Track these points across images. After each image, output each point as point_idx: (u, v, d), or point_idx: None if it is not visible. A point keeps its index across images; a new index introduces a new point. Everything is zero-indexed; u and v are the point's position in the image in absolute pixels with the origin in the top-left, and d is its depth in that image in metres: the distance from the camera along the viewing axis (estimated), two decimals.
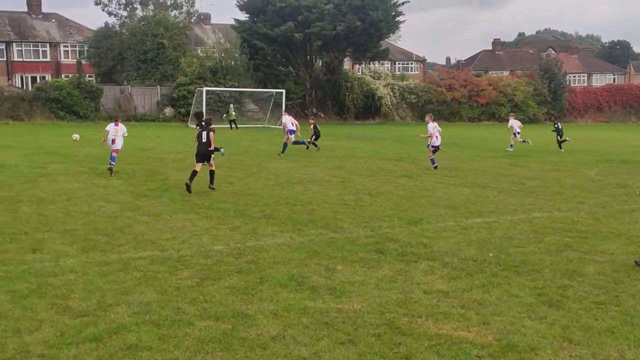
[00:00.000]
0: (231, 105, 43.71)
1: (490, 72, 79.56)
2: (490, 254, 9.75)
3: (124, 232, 10.92)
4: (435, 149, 22.15)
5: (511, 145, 29.91)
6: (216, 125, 40.77)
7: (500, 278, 8.50)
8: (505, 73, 78.12)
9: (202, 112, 19.91)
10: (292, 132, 26.27)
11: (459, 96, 61.15)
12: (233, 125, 41.55)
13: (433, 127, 21.98)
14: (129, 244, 10.10)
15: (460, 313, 7.14)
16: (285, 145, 25.71)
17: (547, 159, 25.68)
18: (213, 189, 15.75)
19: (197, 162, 15.66)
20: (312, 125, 28.28)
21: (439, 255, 9.69)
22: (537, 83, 64.58)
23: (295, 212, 13.04)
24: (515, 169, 22.20)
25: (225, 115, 42.86)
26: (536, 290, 8.00)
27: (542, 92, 64.51)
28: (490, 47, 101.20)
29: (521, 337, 6.49)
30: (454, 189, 16.93)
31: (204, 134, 15.77)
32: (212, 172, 15.91)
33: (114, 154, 18.60)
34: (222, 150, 18.44)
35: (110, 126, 19.18)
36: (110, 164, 18.29)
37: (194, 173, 15.51)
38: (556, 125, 31.33)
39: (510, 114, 35.21)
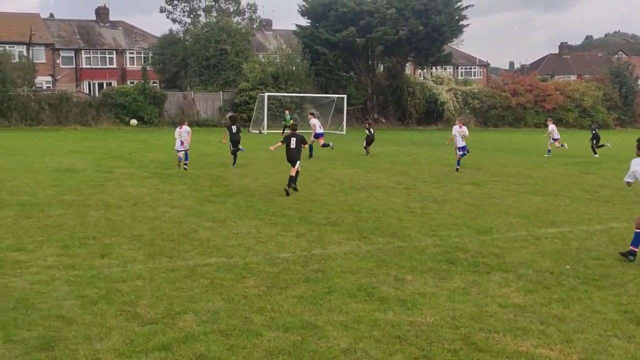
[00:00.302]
0: (287, 111, 43.93)
1: (556, 77, 77.78)
2: (567, 266, 9.31)
3: (190, 238, 10.88)
4: (462, 151, 22.98)
5: (549, 151, 29.09)
6: (273, 131, 41.14)
7: (580, 292, 8.08)
8: (573, 77, 76.23)
9: (235, 115, 23.15)
10: (321, 134, 27.08)
11: (524, 101, 59.92)
12: (287, 130, 41.74)
13: (456, 129, 23.57)
14: (195, 250, 10.05)
15: (540, 329, 6.78)
16: (311, 148, 26.14)
17: (619, 167, 24.69)
18: (296, 189, 16.42)
19: (292, 166, 16.50)
20: (367, 129, 28.54)
21: (513, 266, 9.31)
22: (607, 88, 62.75)
23: (360, 220, 12.81)
24: (587, 176, 21.44)
25: (283, 121, 43.23)
26: (621, 306, 7.55)
27: (613, 97, 62.66)
28: (556, 51, 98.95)
29: (609, 357, 6.09)
30: (524, 197, 16.41)
31: (293, 140, 16.42)
32: (294, 176, 16.45)
33: (181, 155, 21.25)
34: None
35: (177, 130, 21.83)
36: (180, 161, 21.17)
37: (290, 177, 16.37)
38: (594, 131, 30.67)
39: (549, 118, 34.82)
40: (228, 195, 15.77)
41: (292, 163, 16.40)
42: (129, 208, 13.64)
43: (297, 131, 16.86)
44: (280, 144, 16.58)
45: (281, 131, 42.40)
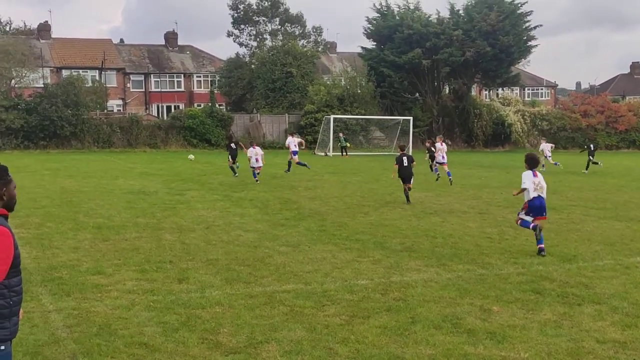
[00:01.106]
0: (341, 134, 44.44)
1: (628, 97, 75.52)
2: None
3: (265, 262, 10.76)
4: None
5: (542, 165, 29.66)
6: (339, 153, 41.16)
7: None
8: None
9: (232, 134, 24.41)
10: (295, 152, 28.92)
11: (595, 122, 58.28)
12: (344, 152, 44.02)
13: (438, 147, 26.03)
14: (272, 275, 9.90)
15: None
16: (289, 164, 28.62)
17: None
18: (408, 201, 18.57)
19: (403, 183, 19.04)
20: (428, 146, 29.08)
21: (605, 298, 8.82)
22: None
23: (437, 245, 12.47)
24: None
25: (339, 142, 43.97)
26: None
27: None
28: (626, 71, 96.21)
29: None
30: (605, 222, 15.75)
31: (405, 159, 18.95)
32: (407, 190, 18.88)
33: (257, 171, 24.12)
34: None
35: (250, 150, 24.43)
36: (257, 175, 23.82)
37: (406, 192, 18.87)
38: (590, 148, 33.42)
39: (542, 138, 39.41)
40: (299, 218, 15.65)
41: (407, 180, 18.87)
42: (202, 231, 13.65)
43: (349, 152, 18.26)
44: (396, 166, 19.03)
45: (340, 153, 43.07)
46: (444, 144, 26.39)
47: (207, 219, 15.32)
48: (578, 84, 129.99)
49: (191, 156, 27.81)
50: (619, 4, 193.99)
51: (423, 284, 9.49)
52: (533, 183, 12.29)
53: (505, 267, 10.73)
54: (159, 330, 7.27)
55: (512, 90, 69.04)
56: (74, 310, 7.95)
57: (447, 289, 9.22)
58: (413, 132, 47.84)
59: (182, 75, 69.60)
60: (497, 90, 65.39)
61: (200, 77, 70.44)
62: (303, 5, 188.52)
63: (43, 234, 12.98)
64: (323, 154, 45.09)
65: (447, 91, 58.45)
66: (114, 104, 62.48)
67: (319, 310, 8.14)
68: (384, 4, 56.23)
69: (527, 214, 12.19)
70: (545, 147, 34.36)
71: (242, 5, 62.69)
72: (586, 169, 31.83)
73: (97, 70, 62.68)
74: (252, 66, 59.40)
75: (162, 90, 67.51)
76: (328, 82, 55.08)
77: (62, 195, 19.49)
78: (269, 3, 62.78)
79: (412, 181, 18.98)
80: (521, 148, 56.14)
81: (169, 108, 65.56)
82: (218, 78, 64.86)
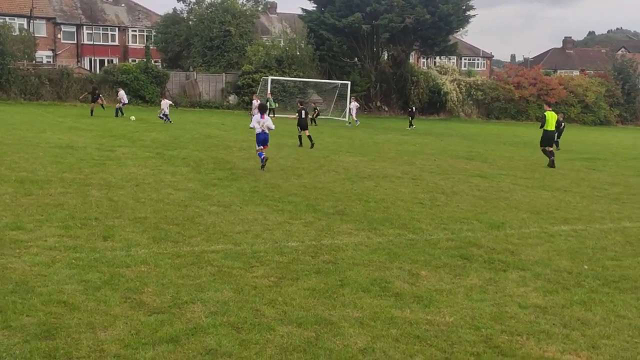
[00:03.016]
0: (269, 95, 43.50)
1: (559, 71, 77.40)
2: (585, 266, 9.01)
3: (195, 222, 10.55)
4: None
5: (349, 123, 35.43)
6: (278, 115, 40.90)
7: (602, 294, 7.77)
8: (576, 72, 75.81)
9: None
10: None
11: (528, 95, 59.57)
12: (272, 114, 42.32)
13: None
14: (201, 235, 9.71)
15: (564, 333, 6.48)
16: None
17: (626, 164, 24.49)
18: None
19: (302, 130, 24.32)
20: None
21: (529, 264, 9.00)
22: (610, 84, 62.45)
23: (369, 210, 12.49)
24: (594, 173, 21.16)
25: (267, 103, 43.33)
26: None
27: (615, 93, 62.40)
28: (558, 46, 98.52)
29: None
30: (533, 191, 16.11)
31: (303, 112, 23.93)
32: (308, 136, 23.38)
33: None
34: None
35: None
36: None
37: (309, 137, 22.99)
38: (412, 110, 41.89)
39: (352, 98, 44.03)
40: (232, 179, 15.42)
41: (304, 128, 24.14)
42: (132, 189, 13.29)
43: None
44: (296, 116, 24.26)
45: (272, 115, 42.45)
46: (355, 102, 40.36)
47: (137, 177, 14.93)
48: (513, 57, 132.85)
49: (132, 117, 28.84)
50: None
51: (354, 248, 9.48)
52: (258, 123, 17.45)
53: (435, 232, 10.83)
54: (79, 288, 7.01)
55: (450, 59, 69.81)
56: None
57: (377, 253, 9.23)
58: (351, 97, 47.82)
59: (117, 28, 67.51)
60: (435, 58, 65.95)
61: (135, 31, 68.52)
62: None
63: None
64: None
65: (385, 57, 58.60)
66: (43, 54, 60.14)
67: (247, 271, 8.02)
68: None
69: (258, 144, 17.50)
70: (353, 106, 41.19)
71: None
72: (409, 127, 39.51)
73: (25, 19, 60.11)
74: (190, 23, 58.07)
75: (95, 43, 65.40)
76: (267, 43, 54.40)
77: None
78: None
79: (308, 129, 24.57)
80: (456, 117, 57.05)
81: (102, 62, 63.62)
82: (154, 33, 63.25)
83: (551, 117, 22.72)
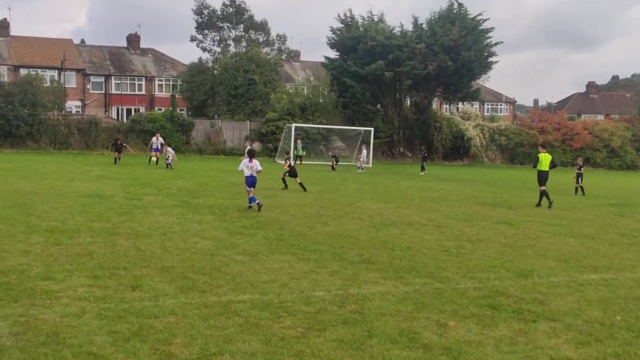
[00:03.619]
0: (298, 141, 44.05)
1: (583, 116, 77.18)
2: (618, 317, 8.87)
3: (222, 271, 10.60)
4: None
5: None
6: (308, 162, 41.12)
7: (636, 347, 7.63)
8: (600, 117, 75.54)
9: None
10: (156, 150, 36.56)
11: (552, 140, 59.29)
12: (298, 161, 42.74)
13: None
14: (228, 285, 9.75)
15: None
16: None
17: None
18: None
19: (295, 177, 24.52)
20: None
21: (559, 315, 8.89)
22: (636, 128, 62.03)
23: (395, 258, 12.46)
24: (623, 219, 20.90)
25: (295, 150, 43.52)
26: None
27: None
28: (582, 90, 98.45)
29: None
30: (560, 239, 15.96)
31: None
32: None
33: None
34: None
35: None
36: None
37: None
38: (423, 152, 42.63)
39: (364, 145, 44.61)
40: (258, 227, 15.50)
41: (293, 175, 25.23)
42: (159, 238, 13.42)
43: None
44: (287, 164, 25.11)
45: (299, 162, 42.75)
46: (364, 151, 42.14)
47: (164, 225, 15.07)
48: (536, 101, 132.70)
49: (154, 159, 32.24)
50: (579, 25, 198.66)
51: (380, 297, 9.44)
52: (247, 167, 18.51)
53: (462, 281, 10.76)
54: (109, 339, 7.06)
55: (472, 104, 69.99)
56: (21, 317, 7.69)
57: (404, 303, 9.18)
58: (374, 143, 48.04)
59: (144, 78, 68.89)
60: (458, 104, 66.27)
61: (162, 80, 69.84)
62: (268, 12, 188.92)
63: None
64: (283, 161, 44.91)
65: (408, 103, 58.96)
66: (72, 105, 61.49)
67: (274, 321, 8.02)
68: (348, 15, 56.65)
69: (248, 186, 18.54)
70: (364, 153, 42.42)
71: (207, 11, 62.47)
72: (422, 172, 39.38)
73: (56, 70, 61.66)
74: (215, 72, 59.08)
75: (123, 92, 66.72)
76: (290, 91, 55.09)
77: (15, 197, 19.01)
78: (234, 9, 62.66)
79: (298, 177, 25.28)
80: (479, 162, 56.92)
81: (129, 111, 64.79)
82: (180, 83, 64.39)
83: (544, 158, 23.85)
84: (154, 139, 37.91)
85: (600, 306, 9.45)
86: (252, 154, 19.22)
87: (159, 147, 37.30)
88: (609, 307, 9.43)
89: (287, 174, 25.68)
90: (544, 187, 23.51)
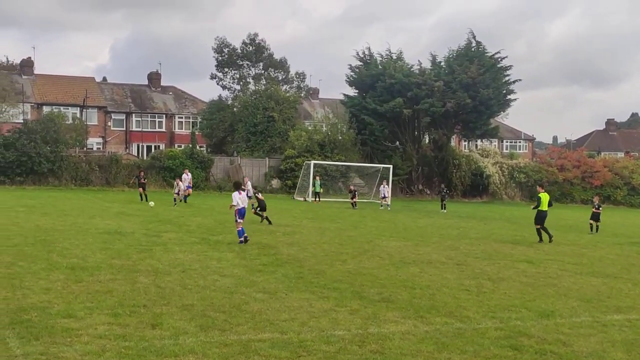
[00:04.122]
0: (318, 178, 44.12)
1: (603, 153, 76.73)
2: None
3: (241, 310, 10.59)
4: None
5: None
6: (327, 199, 41.09)
7: None
8: (620, 154, 75.04)
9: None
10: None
11: (572, 177, 58.94)
12: (316, 198, 43.41)
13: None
14: (247, 323, 9.74)
15: None
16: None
17: None
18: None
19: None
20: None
21: (582, 356, 8.78)
22: None
23: (415, 297, 12.38)
24: None
25: (312, 187, 43.61)
26: None
27: None
28: (601, 127, 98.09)
29: None
30: (582, 278, 15.79)
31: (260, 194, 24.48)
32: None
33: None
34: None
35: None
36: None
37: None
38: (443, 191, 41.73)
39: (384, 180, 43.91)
40: (277, 264, 15.51)
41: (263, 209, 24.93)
42: (179, 275, 13.46)
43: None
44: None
45: (314, 198, 42.92)
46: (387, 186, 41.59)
47: (184, 262, 15.13)
48: (555, 138, 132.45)
49: (151, 203, 30.26)
50: (597, 62, 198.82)
51: (401, 337, 9.38)
52: (240, 200, 19.26)
53: (483, 321, 10.66)
54: None
55: (491, 142, 69.85)
56: (42, 355, 7.73)
57: (424, 343, 9.11)
58: (393, 180, 48.00)
59: (164, 115, 69.70)
60: (476, 141, 66.16)
61: (182, 118, 70.59)
62: (287, 51, 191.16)
63: (14, 274, 12.71)
64: (302, 199, 45.03)
65: (427, 141, 58.96)
66: (94, 141, 62.24)
67: None
68: (367, 53, 57.02)
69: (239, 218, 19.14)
70: (383, 189, 41.18)
71: (227, 49, 63.29)
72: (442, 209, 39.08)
73: (78, 108, 62.57)
74: (234, 109, 59.64)
75: (143, 129, 67.48)
76: (309, 128, 55.35)
77: (36, 234, 19.19)
78: (254, 48, 63.46)
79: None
80: (498, 200, 56.60)
81: (149, 148, 65.42)
82: (200, 120, 65.00)
83: (545, 198, 24.48)
84: (184, 175, 37.31)
85: (624, 348, 9.32)
86: (238, 186, 20.38)
87: (191, 184, 37.15)
88: (633, 348, 9.30)
89: (258, 208, 26.05)
90: (540, 226, 23.94)
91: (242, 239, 19.02)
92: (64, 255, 15.42)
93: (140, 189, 36.60)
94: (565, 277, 15.76)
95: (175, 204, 33.50)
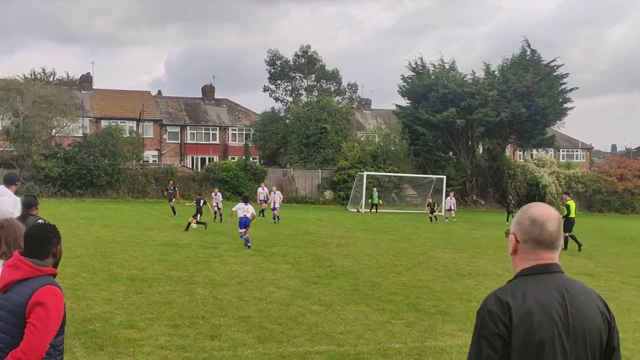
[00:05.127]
0: (375, 189, 44.01)
1: None
2: None
3: (298, 321, 10.67)
4: None
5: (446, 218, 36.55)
6: (381, 210, 40.86)
7: None
8: None
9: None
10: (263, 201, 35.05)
11: (632, 187, 57.47)
12: (373, 210, 42.84)
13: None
14: (304, 335, 9.81)
15: None
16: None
17: None
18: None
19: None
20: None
21: None
22: None
23: (471, 310, 12.23)
24: None
25: (370, 199, 43.48)
26: None
27: None
28: None
29: None
30: None
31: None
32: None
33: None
34: None
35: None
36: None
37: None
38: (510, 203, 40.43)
39: (451, 191, 43.76)
40: (332, 276, 15.55)
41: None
42: (235, 287, 13.63)
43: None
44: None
45: (369, 209, 42.86)
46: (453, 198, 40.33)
47: (240, 274, 15.31)
48: (614, 147, 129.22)
49: (194, 225, 27.19)
50: None
51: (458, 350, 9.31)
52: (241, 209, 21.07)
53: None
54: None
55: (547, 151, 68.65)
56: None
57: None
58: (446, 191, 47.61)
59: (218, 128, 70.62)
60: (532, 151, 65.09)
61: (235, 130, 71.41)
62: (339, 62, 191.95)
63: (77, 285, 13.07)
64: (355, 210, 45.04)
65: (481, 151, 58.31)
66: (149, 154, 63.52)
67: None
68: (419, 63, 56.88)
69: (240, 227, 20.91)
70: (450, 201, 39.88)
71: (279, 62, 63.87)
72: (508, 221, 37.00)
73: (135, 121, 63.97)
74: (287, 121, 60.11)
75: (198, 142, 68.53)
76: (362, 139, 55.41)
77: (97, 245, 19.69)
78: (306, 60, 63.89)
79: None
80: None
81: (203, 160, 66.39)
82: (253, 132, 65.68)
83: (573, 206, 25.26)
84: (259, 189, 36.41)
85: None
86: (246, 200, 21.98)
87: (266, 198, 35.41)
88: None
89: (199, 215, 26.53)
90: (570, 234, 24.01)
91: (249, 244, 20.45)
92: (123, 266, 15.78)
93: (171, 203, 34.54)
94: (627, 291, 15.38)
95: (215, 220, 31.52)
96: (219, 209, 32.72)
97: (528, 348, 2.83)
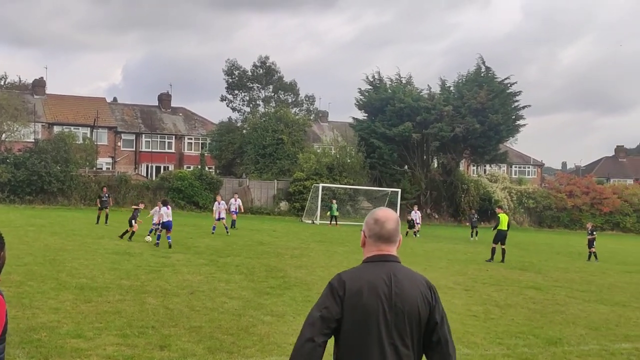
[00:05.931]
0: (333, 201, 44.30)
1: (612, 180, 76.57)
2: None
3: (249, 332, 10.63)
4: None
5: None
6: (325, 221, 41.04)
7: None
8: (629, 181, 74.86)
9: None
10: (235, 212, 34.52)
11: (580, 203, 58.82)
12: (333, 222, 43.20)
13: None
14: (255, 346, 9.77)
15: None
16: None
17: None
18: None
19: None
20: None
21: None
22: None
23: None
24: None
25: (329, 211, 43.73)
26: None
27: None
28: (610, 154, 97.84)
29: None
30: (590, 305, 15.75)
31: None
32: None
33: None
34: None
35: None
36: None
37: None
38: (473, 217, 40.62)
39: (415, 205, 43.47)
40: (285, 287, 15.54)
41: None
42: (187, 297, 13.51)
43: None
44: None
45: (328, 222, 43.07)
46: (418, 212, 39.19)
47: (192, 284, 15.18)
48: (564, 164, 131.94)
49: (148, 238, 25.59)
50: (609, 89, 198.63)
51: None
52: (165, 214, 23.40)
53: (490, 347, 10.65)
54: None
55: (500, 167, 69.88)
56: None
57: None
58: (401, 204, 48.03)
59: (174, 136, 70.00)
60: (485, 166, 66.17)
61: (191, 139, 70.88)
62: (297, 74, 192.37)
63: (24, 293, 12.78)
64: (310, 221, 45.09)
65: (435, 165, 59.03)
66: (103, 162, 62.58)
67: None
68: (377, 77, 57.43)
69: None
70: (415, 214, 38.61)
71: (237, 71, 63.86)
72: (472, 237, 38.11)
73: (88, 128, 63.01)
74: (244, 131, 60.02)
75: (153, 150, 67.79)
76: (318, 151, 55.59)
77: (46, 253, 19.28)
78: (264, 70, 64.00)
79: None
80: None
81: (158, 168, 65.67)
82: (209, 141, 65.34)
83: (504, 219, 26.22)
84: (219, 202, 31.11)
85: None
86: (166, 203, 24.88)
87: (237, 210, 34.40)
88: None
89: (134, 221, 25.80)
90: (496, 245, 25.40)
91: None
92: (73, 275, 15.50)
93: (100, 211, 33.11)
94: (573, 304, 15.72)
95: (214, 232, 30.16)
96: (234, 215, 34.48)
97: (356, 317, 3.72)
